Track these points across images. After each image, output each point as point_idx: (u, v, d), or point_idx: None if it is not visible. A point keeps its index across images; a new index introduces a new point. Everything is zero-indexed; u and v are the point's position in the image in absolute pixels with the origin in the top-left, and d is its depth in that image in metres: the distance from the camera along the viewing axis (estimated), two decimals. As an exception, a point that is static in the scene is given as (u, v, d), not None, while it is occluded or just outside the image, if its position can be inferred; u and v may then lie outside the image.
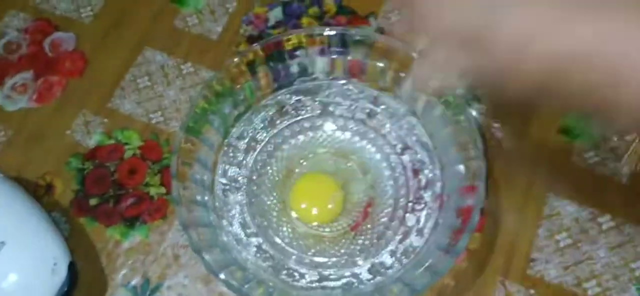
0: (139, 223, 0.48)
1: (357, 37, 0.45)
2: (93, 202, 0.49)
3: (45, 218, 0.46)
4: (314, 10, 0.58)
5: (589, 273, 0.45)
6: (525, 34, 0.27)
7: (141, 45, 0.57)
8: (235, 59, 0.44)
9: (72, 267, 0.44)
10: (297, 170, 0.49)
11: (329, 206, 0.46)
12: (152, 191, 0.50)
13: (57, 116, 0.54)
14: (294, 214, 0.47)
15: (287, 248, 0.45)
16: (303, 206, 0.47)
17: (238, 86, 0.46)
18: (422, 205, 0.45)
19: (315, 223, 0.46)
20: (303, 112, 0.49)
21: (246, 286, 0.38)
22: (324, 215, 0.47)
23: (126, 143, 0.52)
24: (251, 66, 0.45)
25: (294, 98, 0.49)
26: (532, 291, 0.45)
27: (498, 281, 0.45)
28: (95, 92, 0.55)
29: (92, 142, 0.52)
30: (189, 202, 0.41)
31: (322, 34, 0.45)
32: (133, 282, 0.46)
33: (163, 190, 0.50)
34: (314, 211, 0.47)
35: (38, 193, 0.50)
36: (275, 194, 0.48)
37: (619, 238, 0.47)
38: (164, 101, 0.54)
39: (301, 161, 0.49)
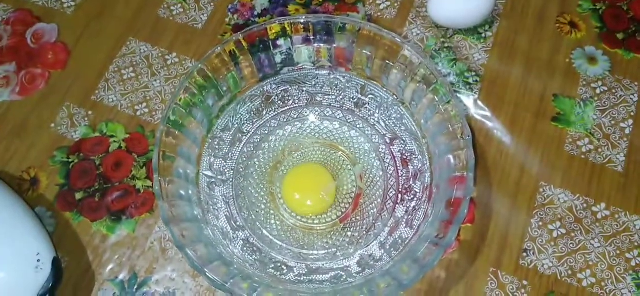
0: (126, 217, 0.48)
1: (342, 25, 0.44)
2: (78, 196, 0.49)
3: (29, 213, 0.45)
4: (301, -4, 0.56)
5: (584, 263, 0.45)
6: None
7: (125, 36, 0.56)
8: (217, 49, 0.43)
9: (56, 263, 0.43)
10: (285, 162, 0.48)
11: (322, 196, 0.46)
12: (138, 184, 0.49)
13: (40, 109, 0.53)
14: (282, 206, 0.46)
15: (275, 241, 0.44)
16: (296, 197, 0.46)
17: (221, 77, 0.44)
18: (412, 196, 0.45)
19: (305, 215, 0.46)
20: (290, 102, 0.48)
21: (230, 281, 0.37)
22: (317, 205, 0.46)
23: (111, 136, 0.51)
24: (233, 56, 0.44)
25: (280, 88, 0.48)
26: (525, 282, 0.44)
27: (490, 273, 0.45)
28: (79, 84, 0.54)
29: (76, 135, 0.51)
30: (173, 197, 0.40)
31: (305, 22, 0.44)
32: (120, 277, 0.46)
33: (149, 183, 0.49)
34: (308, 202, 0.46)
35: (22, 187, 0.49)
36: (262, 186, 0.47)
37: (614, 227, 0.46)
38: (149, 92, 0.53)
39: (289, 152, 0.48)
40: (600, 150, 0.49)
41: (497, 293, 0.44)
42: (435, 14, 0.53)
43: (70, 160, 0.50)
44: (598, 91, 0.52)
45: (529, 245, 0.45)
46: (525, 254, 0.45)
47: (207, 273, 0.37)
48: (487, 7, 0.52)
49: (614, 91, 0.52)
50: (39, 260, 0.42)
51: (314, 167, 0.48)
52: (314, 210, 0.46)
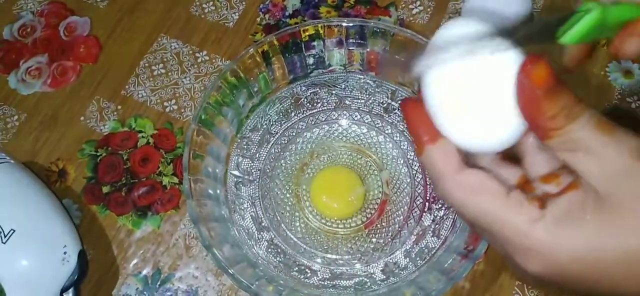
0: (151, 212, 0.48)
1: (376, 29, 0.44)
2: (105, 189, 0.49)
3: (57, 205, 0.45)
4: (332, -1, 0.56)
5: None
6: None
7: (156, 32, 0.56)
8: (250, 50, 0.43)
9: (82, 255, 0.43)
10: (311, 164, 0.48)
11: (351, 199, 0.45)
12: (165, 180, 0.49)
13: (71, 101, 0.53)
14: (307, 209, 0.46)
15: (299, 243, 0.44)
16: (324, 199, 0.46)
17: (252, 77, 0.44)
18: (440, 205, 0.44)
19: (329, 219, 0.45)
20: (319, 105, 0.48)
21: (256, 283, 0.37)
22: (344, 209, 0.46)
23: (140, 131, 0.51)
24: (266, 57, 0.44)
25: (310, 90, 0.47)
26: (551, 298, 0.43)
27: (516, 286, 0.44)
28: (110, 79, 0.54)
29: (105, 128, 0.52)
30: (201, 196, 0.40)
31: (339, 25, 0.44)
32: (144, 272, 0.46)
33: (175, 179, 0.49)
34: (335, 205, 0.46)
35: (50, 179, 0.50)
36: (288, 188, 0.47)
37: None
38: (178, 89, 0.53)
39: (316, 155, 0.48)
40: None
41: (523, 307, 0.43)
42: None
43: (98, 154, 0.51)
44: (633, 105, 0.51)
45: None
46: (553, 269, 0.44)
47: (233, 274, 0.37)
48: (522, 15, 0.51)
49: (649, 106, 0.51)
50: (65, 252, 0.43)
51: (343, 170, 0.47)
52: (340, 213, 0.45)
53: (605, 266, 0.24)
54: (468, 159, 0.27)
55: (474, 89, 0.25)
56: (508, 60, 0.24)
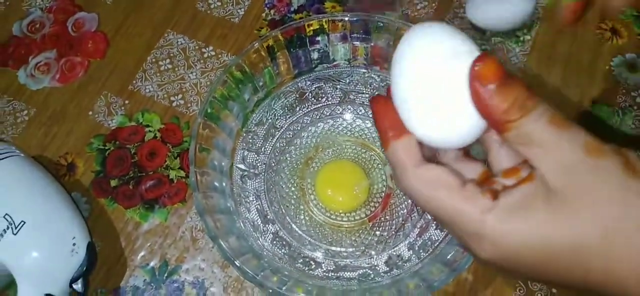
0: (158, 205, 0.49)
1: (380, 23, 0.44)
2: (113, 183, 0.50)
3: (66, 198, 0.46)
4: (337, -6, 0.56)
5: None
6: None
7: (163, 28, 0.57)
8: (255, 45, 0.43)
9: (91, 247, 0.44)
10: (316, 158, 0.48)
11: (355, 192, 0.46)
12: (172, 174, 0.50)
13: (79, 96, 0.54)
14: (312, 202, 0.46)
15: (304, 236, 0.45)
16: (329, 192, 0.46)
17: (257, 72, 0.45)
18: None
19: (334, 212, 0.46)
20: (323, 100, 0.49)
21: (261, 274, 0.38)
22: (349, 201, 0.46)
23: (147, 126, 0.52)
24: (271, 52, 0.45)
25: (315, 85, 0.48)
26: (554, 291, 0.44)
27: (519, 279, 0.44)
28: (117, 74, 0.55)
29: (113, 123, 0.52)
30: (207, 188, 0.41)
31: (344, 20, 0.44)
32: (151, 264, 0.46)
33: (182, 173, 0.50)
34: (340, 198, 0.46)
35: (59, 172, 0.51)
36: (293, 181, 0.47)
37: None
38: (185, 84, 0.54)
39: (321, 149, 0.48)
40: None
41: (526, 300, 0.44)
42: (473, 16, 0.53)
43: (106, 148, 0.51)
44: (638, 100, 0.51)
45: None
46: (556, 262, 0.45)
47: (238, 265, 0.37)
48: (526, 11, 0.51)
49: (654, 100, 0.51)
50: (74, 244, 0.43)
51: (348, 164, 0.48)
52: (345, 206, 0.46)
53: (552, 255, 0.25)
54: (432, 156, 0.29)
55: (437, 87, 0.26)
56: (467, 61, 0.26)
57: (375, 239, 0.44)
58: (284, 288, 0.37)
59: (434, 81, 0.26)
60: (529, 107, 0.25)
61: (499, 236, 0.25)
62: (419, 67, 0.27)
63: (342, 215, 0.46)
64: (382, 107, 0.29)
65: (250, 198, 0.45)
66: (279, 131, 0.48)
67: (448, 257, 0.38)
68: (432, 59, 0.26)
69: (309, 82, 0.48)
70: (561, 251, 0.25)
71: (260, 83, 0.46)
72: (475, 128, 0.27)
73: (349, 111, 0.49)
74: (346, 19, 0.44)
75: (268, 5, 0.57)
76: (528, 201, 0.25)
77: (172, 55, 0.55)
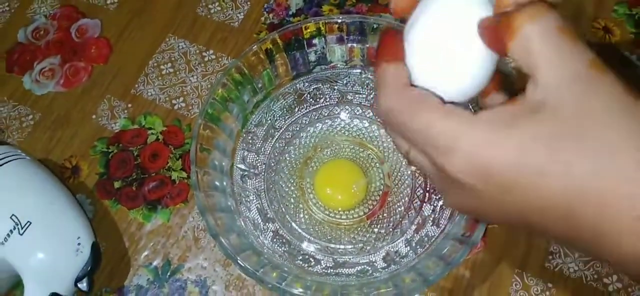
0: (161, 206, 0.50)
1: (375, 25, 0.45)
2: (117, 184, 0.51)
3: (71, 199, 0.47)
4: (335, -3, 0.58)
5: (610, 268, 0.45)
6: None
7: (164, 33, 0.58)
8: (254, 47, 0.45)
9: (95, 247, 0.45)
10: (315, 158, 0.49)
11: (354, 190, 0.47)
12: (174, 175, 0.51)
13: (83, 101, 0.55)
14: (311, 201, 0.47)
15: (304, 234, 0.45)
16: (328, 191, 0.47)
17: (257, 74, 0.46)
18: (439, 195, 0.45)
19: (333, 210, 0.47)
20: (321, 100, 0.50)
21: (261, 270, 0.39)
22: (347, 200, 0.47)
23: (149, 128, 0.53)
24: (269, 54, 0.46)
25: (312, 86, 0.49)
26: (550, 285, 0.44)
27: (515, 274, 0.45)
28: (120, 78, 0.56)
29: (116, 126, 0.54)
30: (208, 187, 0.42)
31: (340, 22, 0.45)
32: (154, 263, 0.47)
33: (184, 174, 0.51)
34: (338, 196, 0.47)
35: (64, 175, 0.52)
36: (293, 181, 0.48)
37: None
38: (186, 87, 0.55)
39: (319, 149, 0.49)
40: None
41: (521, 294, 0.44)
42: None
43: (109, 150, 0.52)
44: (630, 97, 0.52)
45: (555, 247, 0.46)
46: (551, 257, 0.45)
47: (239, 261, 0.38)
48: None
49: (646, 98, 0.52)
50: (79, 244, 0.44)
51: (346, 163, 0.49)
52: (343, 204, 0.47)
53: (529, 175, 0.23)
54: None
55: (445, 36, 0.26)
56: (475, 12, 0.26)
57: (374, 236, 0.45)
58: (283, 283, 0.38)
59: (442, 30, 0.26)
60: (535, 11, 0.23)
61: (471, 146, 0.24)
62: (432, 15, 0.27)
63: (340, 213, 0.47)
64: (392, 38, 0.28)
65: (251, 197, 0.46)
66: (278, 132, 0.49)
67: (443, 252, 0.39)
68: (444, 9, 0.26)
69: (307, 84, 0.49)
70: (540, 171, 0.22)
71: (260, 85, 0.47)
72: (479, 79, 0.26)
73: (347, 111, 0.50)
74: (343, 21, 0.45)
75: (267, 9, 0.58)
76: (509, 118, 0.23)
77: (173, 59, 0.56)
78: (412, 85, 0.27)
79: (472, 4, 0.26)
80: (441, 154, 0.25)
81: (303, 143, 0.50)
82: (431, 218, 0.44)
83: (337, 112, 0.50)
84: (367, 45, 0.46)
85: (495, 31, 0.25)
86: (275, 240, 0.45)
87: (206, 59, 0.56)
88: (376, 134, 0.49)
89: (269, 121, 0.49)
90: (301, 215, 0.47)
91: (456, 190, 0.26)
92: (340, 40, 0.46)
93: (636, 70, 0.53)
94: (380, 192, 0.47)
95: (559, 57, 0.23)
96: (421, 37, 0.27)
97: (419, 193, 0.46)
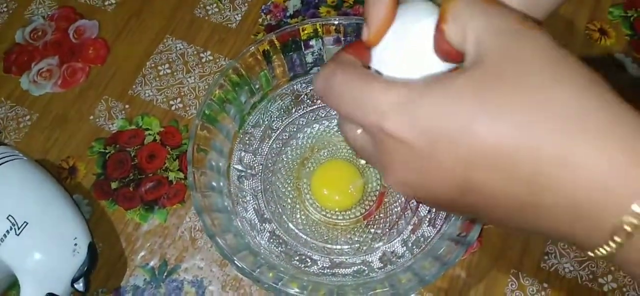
0: (158, 206, 0.50)
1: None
2: (114, 185, 0.51)
3: (67, 200, 0.47)
4: (332, -1, 0.58)
5: (605, 267, 0.45)
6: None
7: (162, 34, 0.58)
8: (251, 48, 0.45)
9: (92, 248, 0.45)
10: (311, 158, 0.49)
11: (350, 190, 0.47)
12: (171, 176, 0.51)
13: (80, 101, 0.55)
14: (308, 201, 0.48)
15: (300, 234, 0.46)
16: (325, 191, 0.47)
17: (254, 75, 0.46)
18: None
19: (329, 211, 0.47)
20: (318, 101, 0.50)
21: (257, 270, 0.39)
22: (344, 200, 0.47)
23: (146, 129, 0.53)
24: (267, 55, 0.46)
25: (310, 87, 0.49)
26: (545, 285, 0.44)
27: (511, 274, 0.45)
28: (117, 79, 0.56)
29: (113, 127, 0.54)
30: (205, 188, 0.42)
31: (337, 24, 0.45)
32: (151, 263, 0.47)
33: (181, 175, 0.51)
34: (336, 197, 0.47)
35: (61, 175, 0.52)
36: (289, 181, 0.48)
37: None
38: (183, 88, 0.55)
39: (316, 149, 0.50)
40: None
41: (517, 294, 0.44)
42: None
43: (107, 151, 0.53)
44: (626, 99, 0.52)
45: (550, 248, 0.46)
46: (546, 257, 0.46)
47: (235, 262, 0.38)
48: None
49: (641, 99, 0.52)
50: (76, 244, 0.44)
51: (343, 164, 0.49)
52: (340, 205, 0.47)
53: (452, 119, 0.23)
54: None
55: (404, 45, 0.27)
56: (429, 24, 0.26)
57: (370, 236, 0.45)
58: (280, 283, 0.38)
59: (402, 39, 0.27)
60: None
61: (407, 101, 0.24)
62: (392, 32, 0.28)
63: (337, 213, 0.47)
64: (362, 43, 0.28)
65: (248, 198, 0.46)
66: (275, 132, 0.49)
67: (439, 252, 0.40)
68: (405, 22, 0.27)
69: (304, 85, 0.49)
70: (470, 118, 0.22)
71: (257, 86, 0.47)
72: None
73: (344, 112, 0.50)
74: (340, 22, 0.46)
75: (264, 11, 0.58)
76: (447, 76, 0.24)
77: (170, 60, 0.57)
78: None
79: (423, 19, 0.27)
80: (380, 114, 0.24)
81: (300, 144, 0.50)
82: (427, 219, 0.44)
83: (334, 113, 0.50)
84: (364, 47, 0.46)
85: (440, 38, 0.25)
86: (271, 240, 0.45)
87: (204, 60, 0.56)
88: (373, 135, 0.49)
89: (266, 122, 0.49)
90: (298, 216, 0.47)
91: (394, 157, 0.25)
92: (337, 42, 0.46)
93: (630, 75, 0.53)
94: (377, 193, 0.47)
95: (486, 19, 0.24)
96: (385, 57, 0.28)
97: (415, 194, 0.46)
